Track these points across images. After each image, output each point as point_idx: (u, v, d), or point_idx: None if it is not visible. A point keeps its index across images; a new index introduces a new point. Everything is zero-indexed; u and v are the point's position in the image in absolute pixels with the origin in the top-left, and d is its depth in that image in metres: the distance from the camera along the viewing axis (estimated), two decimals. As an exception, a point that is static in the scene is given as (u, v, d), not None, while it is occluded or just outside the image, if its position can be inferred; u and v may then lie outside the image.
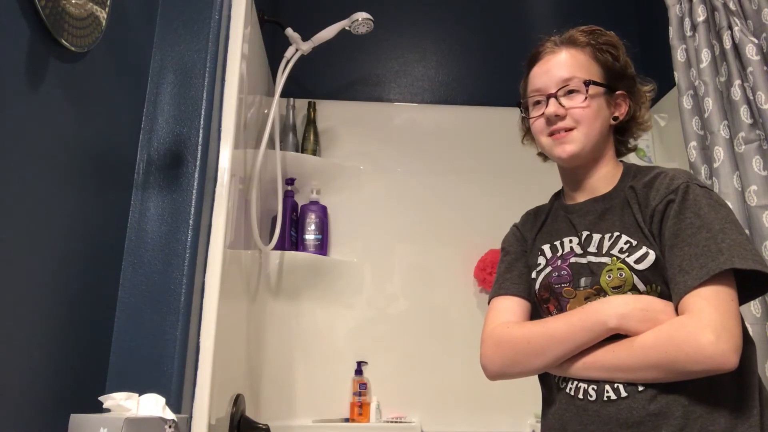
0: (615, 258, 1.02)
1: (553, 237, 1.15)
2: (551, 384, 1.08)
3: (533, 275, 1.15)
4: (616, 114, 1.12)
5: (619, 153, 1.17)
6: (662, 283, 0.98)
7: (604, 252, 1.04)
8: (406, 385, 2.12)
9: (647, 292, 0.99)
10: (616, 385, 0.96)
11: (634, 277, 0.99)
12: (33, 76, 0.88)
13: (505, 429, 2.07)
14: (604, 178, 1.12)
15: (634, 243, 1.02)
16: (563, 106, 1.08)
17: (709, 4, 1.69)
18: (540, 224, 1.21)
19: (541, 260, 1.14)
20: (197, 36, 1.36)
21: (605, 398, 0.96)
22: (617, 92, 1.12)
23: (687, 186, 0.98)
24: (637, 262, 1.00)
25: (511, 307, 1.15)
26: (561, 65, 1.10)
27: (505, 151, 2.36)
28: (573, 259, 1.08)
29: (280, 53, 2.02)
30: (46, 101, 0.91)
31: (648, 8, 2.46)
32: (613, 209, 1.08)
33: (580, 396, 0.99)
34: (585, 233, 1.09)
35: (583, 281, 1.05)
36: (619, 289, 1.00)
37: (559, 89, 1.09)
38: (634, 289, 0.99)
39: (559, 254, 1.11)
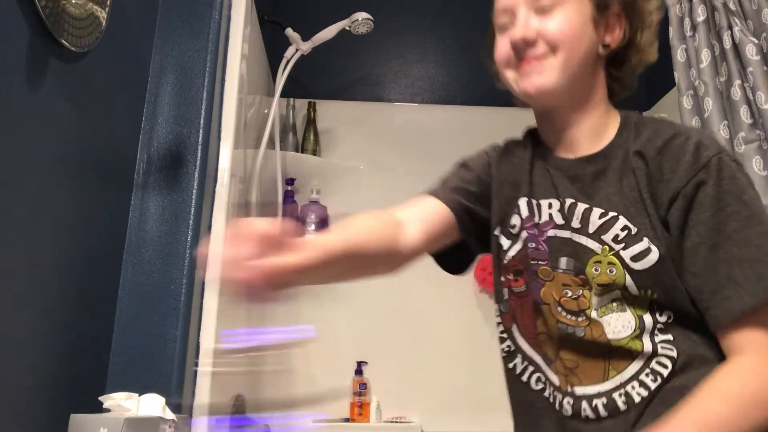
0: (607, 247, 0.80)
1: (532, 192, 0.89)
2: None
3: (497, 232, 0.91)
4: (607, 40, 0.84)
5: (612, 94, 0.89)
6: (660, 290, 0.78)
7: (591, 232, 0.81)
8: (406, 385, 2.12)
9: (637, 297, 0.78)
10: (594, 403, 0.80)
11: (627, 277, 0.78)
12: (33, 76, 0.88)
13: (505, 429, 2.07)
14: (593, 131, 0.85)
15: (634, 231, 0.78)
16: (534, 29, 0.81)
17: (709, 4, 1.69)
18: (515, 166, 0.94)
19: (515, 220, 0.89)
20: (197, 36, 1.36)
21: (583, 417, 0.80)
22: (609, 10, 0.83)
23: (720, 161, 0.75)
24: (634, 259, 0.78)
25: (435, 214, 0.91)
26: None
27: (505, 151, 2.37)
28: (552, 232, 0.85)
29: (280, 53, 2.01)
30: (47, 101, 0.91)
31: (648, 8, 2.46)
32: (608, 175, 0.82)
33: (557, 408, 0.83)
34: (569, 201, 0.84)
35: (563, 262, 0.83)
36: (605, 288, 0.80)
37: (526, 6, 0.82)
38: (624, 291, 0.79)
39: (535, 220, 0.87)
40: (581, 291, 0.82)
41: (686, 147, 0.77)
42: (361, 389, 2.06)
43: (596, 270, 0.80)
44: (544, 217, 0.86)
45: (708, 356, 0.77)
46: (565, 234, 0.83)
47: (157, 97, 1.32)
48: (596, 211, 0.81)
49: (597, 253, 0.80)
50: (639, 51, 0.87)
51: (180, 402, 1.16)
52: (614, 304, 0.80)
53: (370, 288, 2.22)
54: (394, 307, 2.21)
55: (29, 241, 0.88)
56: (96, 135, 1.09)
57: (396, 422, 2.03)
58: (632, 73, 0.90)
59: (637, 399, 0.78)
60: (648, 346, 0.78)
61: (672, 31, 1.76)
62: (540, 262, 0.85)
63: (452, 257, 1.01)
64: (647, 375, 0.78)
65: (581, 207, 0.82)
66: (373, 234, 0.83)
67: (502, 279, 0.92)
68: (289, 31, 2.00)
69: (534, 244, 0.86)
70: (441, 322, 2.19)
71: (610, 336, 0.80)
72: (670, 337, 0.78)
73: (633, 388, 0.78)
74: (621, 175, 0.81)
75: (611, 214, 0.80)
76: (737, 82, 1.57)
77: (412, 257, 0.91)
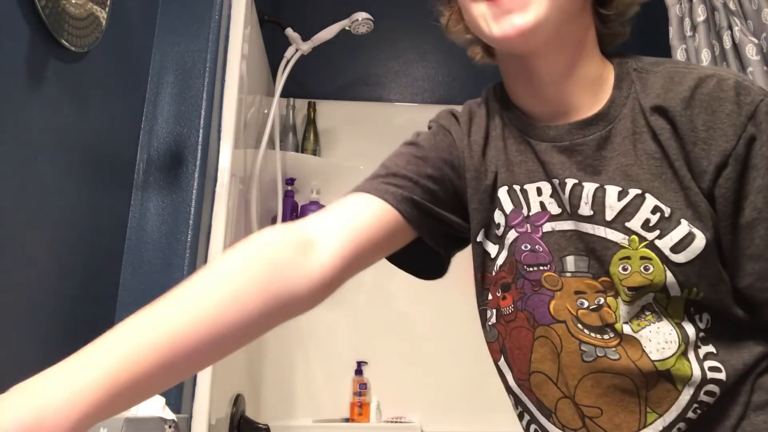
0: (636, 238, 0.60)
1: (509, 175, 0.69)
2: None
3: (487, 241, 0.71)
4: None
5: (600, 44, 0.70)
6: (707, 287, 0.60)
7: (610, 219, 0.62)
8: (406, 385, 2.12)
9: (679, 298, 0.60)
10: None
11: (668, 274, 0.59)
12: (33, 76, 0.88)
13: (505, 429, 2.07)
14: (589, 84, 0.66)
15: (668, 212, 0.60)
16: None
17: (709, 4, 1.69)
18: (482, 138, 0.72)
19: (499, 217, 0.70)
20: (197, 36, 1.36)
21: None
22: None
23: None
24: (675, 249, 0.59)
25: (352, 208, 0.67)
26: None
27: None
28: (548, 225, 0.66)
29: (280, 53, 2.01)
30: (47, 101, 0.91)
31: (648, 8, 2.46)
32: (615, 141, 0.63)
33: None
34: (569, 181, 0.64)
35: (570, 263, 0.64)
36: (638, 292, 0.60)
37: None
38: (663, 292, 0.60)
39: (528, 213, 0.67)
40: (602, 299, 0.62)
41: (723, 93, 0.58)
42: (361, 389, 2.06)
43: (625, 269, 0.61)
44: (535, 208, 0.66)
45: (750, 361, 0.61)
46: (567, 225, 0.64)
47: (157, 97, 1.32)
48: (612, 190, 0.62)
49: (624, 247, 0.61)
50: None
51: (180, 402, 1.16)
52: (648, 314, 0.61)
53: (371, 288, 2.23)
54: (394, 307, 2.21)
55: (29, 240, 0.88)
56: (96, 135, 1.09)
57: (396, 422, 2.03)
58: (621, 16, 0.72)
59: None
60: (696, 369, 0.60)
61: (672, 31, 1.76)
62: (542, 267, 0.65)
63: (418, 260, 0.78)
64: (695, 411, 0.59)
65: (589, 188, 0.63)
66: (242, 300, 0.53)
67: (489, 297, 0.72)
68: (289, 31, 2.00)
69: (528, 246, 0.66)
70: (441, 322, 2.19)
71: (653, 357, 0.60)
72: (712, 349, 0.61)
73: None
74: (634, 139, 0.62)
75: (633, 191, 0.61)
76: (737, 82, 1.57)
77: (332, 286, 0.62)
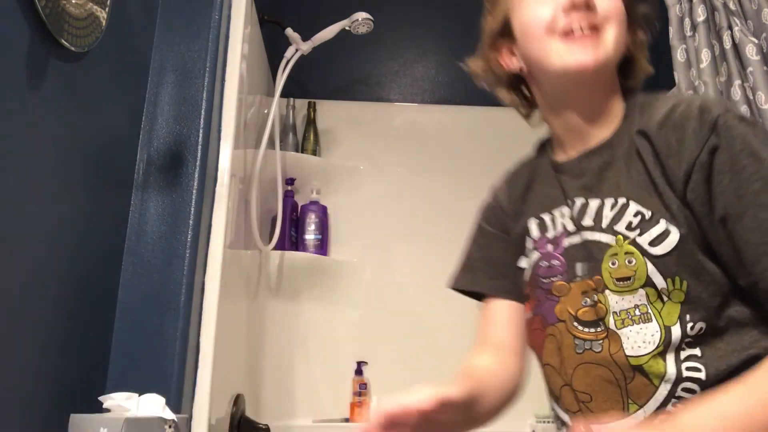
0: (621, 237, 0.73)
1: (541, 207, 0.86)
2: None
3: (523, 264, 0.87)
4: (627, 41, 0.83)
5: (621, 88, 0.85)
6: (689, 272, 0.69)
7: (604, 226, 0.76)
8: (406, 385, 2.11)
9: (668, 290, 0.70)
10: None
11: (649, 266, 0.71)
12: (33, 76, 0.88)
13: (505, 429, 2.07)
14: (605, 118, 0.81)
15: (648, 215, 0.73)
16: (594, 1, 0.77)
17: (709, 4, 1.69)
18: (523, 190, 0.90)
19: (529, 243, 0.86)
20: (197, 36, 1.36)
21: None
22: (639, 11, 0.85)
23: (727, 120, 0.69)
24: (653, 243, 0.71)
25: (505, 316, 0.87)
26: None
27: (506, 151, 2.36)
28: (566, 241, 0.80)
29: (280, 53, 2.01)
30: (47, 101, 0.91)
31: (648, 8, 2.46)
32: (616, 163, 0.77)
33: None
34: (579, 201, 0.80)
35: (579, 268, 0.77)
36: (626, 283, 0.72)
37: None
38: (648, 285, 0.71)
39: (549, 235, 0.83)
40: (596, 295, 0.75)
41: (689, 113, 0.71)
42: (361, 389, 2.06)
43: (613, 264, 0.73)
44: (558, 229, 0.82)
45: (735, 363, 0.68)
46: (577, 239, 0.79)
47: (157, 97, 1.32)
48: (607, 203, 0.76)
49: (611, 246, 0.74)
50: (639, 65, 0.86)
51: (180, 402, 1.16)
52: (637, 312, 0.72)
53: (371, 288, 2.23)
54: (394, 307, 2.21)
55: (29, 240, 0.88)
56: (96, 135, 1.09)
57: (396, 422, 2.03)
58: (635, 77, 0.87)
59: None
60: (671, 368, 0.69)
61: (672, 31, 1.76)
62: (553, 279, 0.80)
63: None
64: (675, 405, 0.69)
65: (593, 204, 0.78)
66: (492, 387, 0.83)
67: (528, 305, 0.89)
68: (289, 31, 2.00)
69: (546, 262, 0.82)
70: (441, 322, 2.19)
71: (627, 352, 0.72)
72: (697, 352, 0.69)
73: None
74: (627, 160, 0.76)
75: (620, 201, 0.75)
76: (737, 82, 1.57)
77: (524, 373, 0.90)
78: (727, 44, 1.60)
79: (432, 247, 2.26)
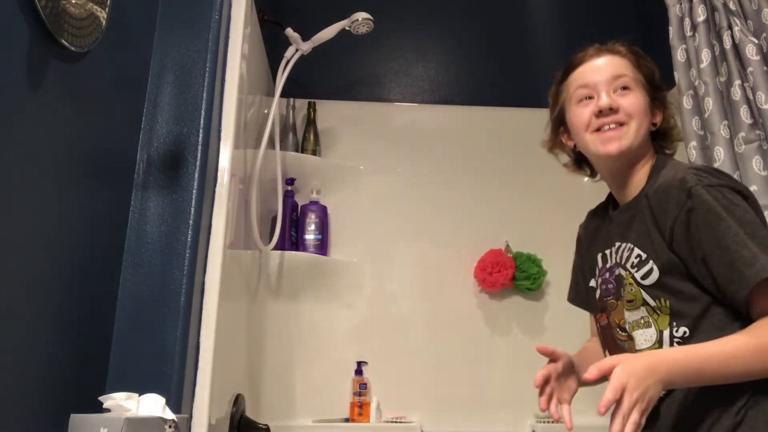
0: (628, 272, 1.06)
1: (605, 244, 1.16)
2: None
3: (591, 283, 1.19)
4: (655, 120, 1.13)
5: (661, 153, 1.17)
6: (670, 295, 0.99)
7: (624, 264, 1.07)
8: (406, 385, 2.12)
9: (655, 308, 1.02)
10: None
11: (642, 292, 1.03)
12: (33, 76, 0.88)
13: (505, 429, 2.07)
14: (637, 184, 1.11)
15: (644, 257, 1.03)
16: (617, 102, 1.08)
17: (709, 4, 1.69)
18: (594, 229, 1.23)
19: (596, 271, 1.18)
20: (197, 36, 1.36)
21: None
22: (656, 101, 1.14)
23: (698, 190, 0.96)
24: (643, 278, 1.03)
25: (592, 320, 1.29)
26: (612, 64, 1.12)
27: (506, 151, 2.37)
28: (616, 270, 1.11)
29: (280, 53, 2.01)
30: (47, 101, 0.91)
31: (648, 8, 2.46)
32: (636, 217, 1.07)
33: None
34: (617, 243, 1.11)
35: (622, 291, 1.09)
36: (632, 304, 1.06)
37: (612, 84, 1.10)
38: (645, 304, 1.03)
39: (607, 265, 1.14)
40: (623, 310, 1.08)
41: (674, 183, 0.99)
42: (361, 389, 2.06)
43: (625, 291, 1.06)
44: (613, 260, 1.12)
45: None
46: (618, 270, 1.09)
47: (157, 97, 1.32)
48: (626, 247, 1.07)
49: (625, 278, 1.07)
50: (673, 133, 1.16)
51: (180, 402, 1.16)
52: (642, 321, 1.04)
53: (371, 288, 2.23)
54: (394, 307, 2.21)
55: (29, 240, 0.88)
56: (96, 135, 1.09)
57: (396, 422, 2.03)
58: (670, 147, 1.16)
59: (657, 402, 0.96)
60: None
61: (672, 31, 1.76)
62: (608, 298, 1.12)
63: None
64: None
65: (622, 247, 1.09)
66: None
67: (597, 316, 1.17)
68: (289, 31, 2.00)
69: (605, 285, 1.13)
70: (441, 322, 2.19)
71: (637, 347, 1.05)
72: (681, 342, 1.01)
73: None
74: (640, 216, 1.05)
75: (631, 246, 1.06)
76: (737, 82, 1.57)
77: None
78: (727, 44, 1.60)
79: (432, 247, 2.26)
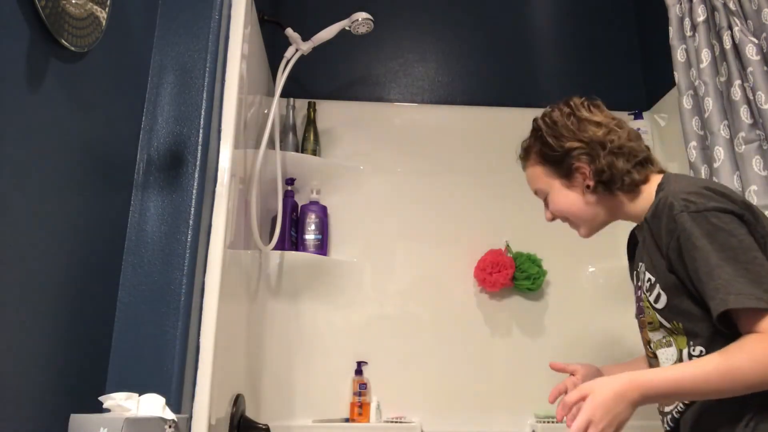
0: (645, 296, 1.09)
1: (637, 263, 1.17)
2: None
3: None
4: (586, 183, 1.16)
5: (636, 188, 1.16)
6: (681, 317, 1.02)
7: (642, 285, 1.11)
8: (406, 385, 2.12)
9: (672, 330, 1.05)
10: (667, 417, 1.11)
11: (657, 315, 1.06)
12: (33, 76, 0.88)
13: (505, 429, 2.07)
14: (636, 215, 1.16)
15: (653, 281, 1.06)
16: (549, 213, 1.25)
17: (709, 4, 1.69)
18: (634, 244, 1.23)
19: (634, 287, 1.21)
20: (197, 36, 1.36)
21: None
22: (572, 171, 1.17)
23: (683, 217, 0.98)
24: (655, 301, 1.06)
25: None
26: (529, 181, 1.28)
27: (505, 150, 2.36)
28: (639, 293, 1.14)
29: (280, 53, 2.01)
30: (46, 101, 0.91)
31: (648, 8, 2.46)
32: (645, 242, 1.10)
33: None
34: (640, 264, 1.13)
35: (645, 312, 1.12)
36: (651, 325, 1.10)
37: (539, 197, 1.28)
38: (662, 326, 1.06)
39: (638, 283, 1.16)
40: (648, 330, 1.12)
41: (664, 210, 1.01)
42: (361, 389, 2.06)
43: (645, 312, 1.10)
44: (639, 280, 1.14)
45: None
46: (640, 291, 1.12)
47: (157, 97, 1.32)
48: (643, 269, 1.10)
49: (644, 300, 1.10)
50: (610, 171, 1.13)
51: (180, 402, 1.16)
52: (664, 340, 1.08)
53: (371, 288, 2.23)
54: (394, 307, 2.21)
55: (29, 241, 0.88)
56: (96, 135, 1.09)
57: (396, 422, 2.03)
58: (624, 179, 1.13)
59: (676, 415, 1.08)
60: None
61: (672, 31, 1.76)
62: (640, 316, 1.15)
63: None
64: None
65: (642, 268, 1.11)
66: None
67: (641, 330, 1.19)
68: (289, 31, 2.00)
69: (638, 303, 1.15)
70: (441, 322, 2.19)
71: (661, 365, 1.09)
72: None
73: (676, 405, 1.08)
74: (646, 241, 1.08)
75: (644, 270, 1.09)
76: (737, 82, 1.57)
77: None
78: (727, 44, 1.60)
79: (432, 247, 2.26)
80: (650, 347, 1.13)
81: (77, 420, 0.86)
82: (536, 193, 1.26)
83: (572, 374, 1.19)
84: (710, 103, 1.62)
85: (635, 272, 1.17)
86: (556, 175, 1.19)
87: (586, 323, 2.17)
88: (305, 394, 2.08)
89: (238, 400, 1.55)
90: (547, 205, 1.24)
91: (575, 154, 1.15)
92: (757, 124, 1.52)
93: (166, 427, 0.90)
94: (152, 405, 0.92)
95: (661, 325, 1.06)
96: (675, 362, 1.05)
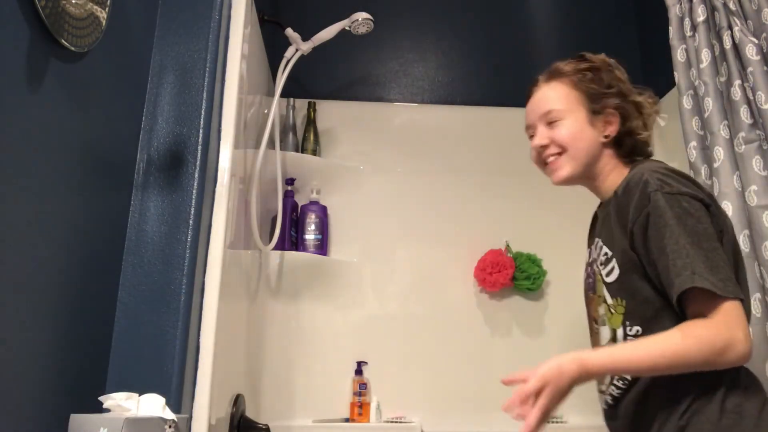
0: (597, 269, 1.12)
1: (591, 239, 1.23)
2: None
3: (583, 275, 1.25)
4: (607, 132, 1.16)
5: (634, 153, 1.19)
6: (627, 295, 1.05)
7: (597, 259, 1.14)
8: (406, 385, 2.12)
9: (614, 305, 1.08)
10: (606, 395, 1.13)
11: (604, 289, 1.10)
12: (33, 76, 0.88)
13: (505, 429, 2.07)
14: (607, 188, 1.17)
15: (609, 255, 1.09)
16: (547, 137, 1.17)
17: (709, 4, 1.69)
18: (593, 223, 1.29)
19: (585, 264, 1.25)
20: (197, 36, 1.36)
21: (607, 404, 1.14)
22: (606, 110, 1.16)
23: (656, 195, 1.00)
24: (607, 275, 1.09)
25: None
26: (541, 101, 1.20)
27: (505, 150, 2.37)
28: (594, 266, 1.16)
29: (280, 53, 2.01)
30: (46, 101, 0.91)
31: (648, 8, 2.46)
32: (609, 215, 1.11)
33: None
34: (596, 239, 1.17)
35: (597, 287, 1.15)
36: (600, 299, 1.13)
37: (543, 119, 1.18)
38: (604, 302, 1.10)
39: (589, 260, 1.20)
40: (597, 306, 1.14)
41: (637, 186, 1.03)
42: (361, 389, 2.06)
43: (598, 286, 1.11)
44: (593, 256, 1.18)
45: None
46: (594, 266, 1.15)
47: (157, 97, 1.32)
48: (598, 243, 1.13)
49: (597, 274, 1.12)
50: (631, 136, 1.16)
51: (180, 402, 1.16)
52: (604, 318, 1.11)
53: (371, 288, 2.23)
54: (394, 307, 2.21)
55: (29, 241, 0.88)
56: (96, 135, 1.09)
57: (396, 422, 2.03)
58: (633, 150, 1.17)
59: (616, 394, 1.11)
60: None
61: (672, 31, 1.76)
62: (589, 292, 1.19)
63: None
64: (617, 378, 1.09)
65: (599, 243, 1.13)
66: None
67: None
68: (289, 31, 2.00)
69: (588, 279, 1.20)
70: (441, 322, 2.19)
71: (601, 342, 1.14)
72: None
73: (614, 386, 1.11)
74: (609, 215, 1.10)
75: (602, 244, 1.12)
76: (737, 82, 1.57)
77: None
78: (727, 44, 1.60)
79: (432, 247, 2.26)
80: (596, 323, 1.16)
81: (77, 420, 0.86)
82: (545, 114, 1.18)
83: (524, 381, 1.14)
84: (710, 103, 1.61)
85: (589, 249, 1.21)
86: (585, 107, 1.16)
87: (586, 323, 2.17)
88: (305, 394, 2.08)
89: (238, 400, 1.55)
90: (548, 124, 1.18)
91: (616, 103, 1.15)
92: (757, 124, 1.52)
93: (166, 427, 0.90)
94: (152, 405, 0.92)
95: (604, 301, 1.10)
96: (608, 342, 1.09)
